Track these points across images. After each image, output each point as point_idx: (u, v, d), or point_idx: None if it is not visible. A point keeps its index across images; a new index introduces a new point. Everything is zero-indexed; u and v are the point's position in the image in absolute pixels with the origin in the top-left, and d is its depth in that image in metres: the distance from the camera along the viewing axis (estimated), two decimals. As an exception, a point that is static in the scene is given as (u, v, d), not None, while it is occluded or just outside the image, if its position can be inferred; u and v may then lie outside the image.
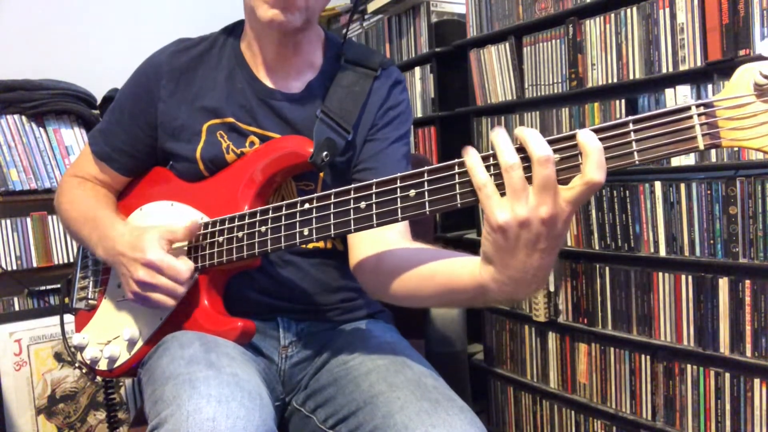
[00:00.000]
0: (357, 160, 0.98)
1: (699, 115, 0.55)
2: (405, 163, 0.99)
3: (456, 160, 0.65)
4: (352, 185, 0.74)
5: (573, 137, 0.58)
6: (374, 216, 0.71)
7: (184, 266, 0.84)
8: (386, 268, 0.83)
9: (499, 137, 0.60)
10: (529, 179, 0.59)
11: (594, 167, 0.56)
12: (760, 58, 0.54)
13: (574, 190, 0.58)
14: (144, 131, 1.01)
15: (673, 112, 0.56)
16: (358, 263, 0.89)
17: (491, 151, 0.61)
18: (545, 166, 0.57)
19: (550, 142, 0.59)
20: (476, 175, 0.61)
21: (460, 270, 0.71)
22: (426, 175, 0.67)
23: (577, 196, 0.58)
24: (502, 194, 0.60)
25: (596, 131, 0.58)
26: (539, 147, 0.58)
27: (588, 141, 0.57)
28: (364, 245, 0.89)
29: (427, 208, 0.67)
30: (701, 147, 0.55)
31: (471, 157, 0.62)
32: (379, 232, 0.86)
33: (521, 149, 0.60)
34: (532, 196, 0.58)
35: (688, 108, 0.55)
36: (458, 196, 0.64)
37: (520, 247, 0.60)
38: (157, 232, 0.86)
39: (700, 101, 0.55)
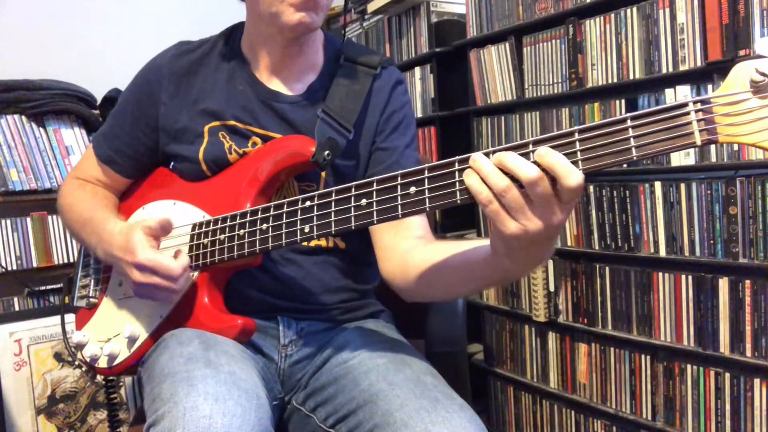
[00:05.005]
0: (372, 171, 0.98)
1: (696, 111, 0.56)
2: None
3: (456, 158, 0.65)
4: (354, 183, 0.74)
5: (530, 153, 0.61)
6: (374, 213, 0.71)
7: (176, 264, 0.84)
8: (415, 273, 0.85)
9: (481, 164, 0.62)
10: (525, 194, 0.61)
11: (567, 176, 0.59)
12: (759, 57, 0.55)
13: (564, 197, 0.61)
14: (145, 134, 1.02)
15: (671, 109, 0.57)
16: (389, 275, 0.92)
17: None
18: (538, 185, 0.59)
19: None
20: (479, 195, 0.63)
21: (480, 262, 0.75)
22: (426, 172, 0.67)
23: (569, 202, 0.61)
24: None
25: (595, 128, 0.59)
26: (527, 170, 0.59)
27: (547, 159, 0.59)
28: (390, 256, 0.92)
29: (428, 205, 0.67)
30: (698, 143, 0.56)
31: (471, 177, 0.63)
32: (402, 240, 0.90)
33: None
34: (533, 211, 0.61)
35: (686, 104, 0.56)
36: (458, 192, 0.65)
37: (528, 246, 0.65)
38: (140, 230, 0.87)
39: (697, 98, 0.56)
